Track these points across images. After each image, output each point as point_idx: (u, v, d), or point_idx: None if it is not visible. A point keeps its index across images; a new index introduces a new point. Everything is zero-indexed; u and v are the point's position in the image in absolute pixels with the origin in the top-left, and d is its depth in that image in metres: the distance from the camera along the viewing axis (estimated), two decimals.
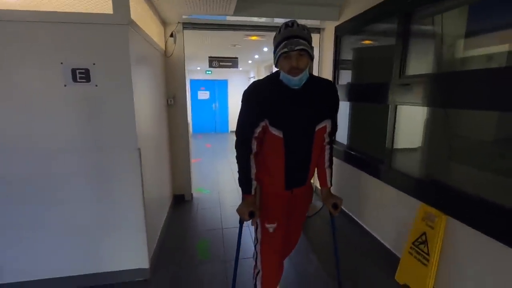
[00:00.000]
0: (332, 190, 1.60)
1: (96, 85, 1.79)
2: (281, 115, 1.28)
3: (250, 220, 1.40)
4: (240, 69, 9.71)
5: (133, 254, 2.07)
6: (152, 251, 2.23)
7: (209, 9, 2.76)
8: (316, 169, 1.55)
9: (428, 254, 1.82)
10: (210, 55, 6.22)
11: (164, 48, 3.26)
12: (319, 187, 1.59)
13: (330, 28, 3.37)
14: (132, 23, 1.83)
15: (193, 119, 10.34)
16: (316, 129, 1.34)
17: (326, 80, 1.43)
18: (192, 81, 10.11)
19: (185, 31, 3.36)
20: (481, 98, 1.54)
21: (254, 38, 4.21)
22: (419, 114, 2.12)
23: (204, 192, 4.09)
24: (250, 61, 7.84)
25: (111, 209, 1.96)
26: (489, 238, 1.47)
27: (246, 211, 1.35)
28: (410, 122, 2.27)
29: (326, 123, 1.36)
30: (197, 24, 3.35)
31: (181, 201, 3.65)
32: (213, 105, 10.67)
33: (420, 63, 2.17)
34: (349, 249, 2.53)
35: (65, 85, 1.75)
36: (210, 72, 9.94)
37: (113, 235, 2.00)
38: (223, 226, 3.01)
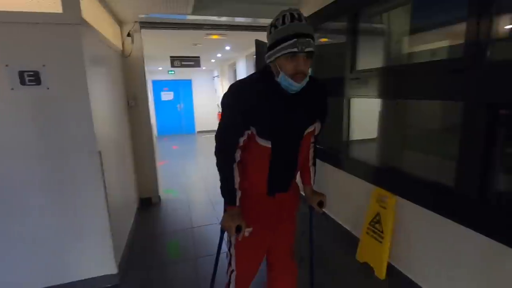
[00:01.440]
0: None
1: (48, 88, 1.71)
2: (271, 124, 1.10)
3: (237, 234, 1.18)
4: (204, 68, 9.63)
5: (99, 260, 2.01)
6: (119, 256, 2.18)
7: (166, 8, 2.73)
8: (300, 166, 1.40)
9: (382, 232, 2.01)
10: (171, 55, 6.10)
11: (121, 48, 3.16)
12: (302, 185, 1.46)
13: None
14: (84, 23, 1.77)
15: (158, 120, 10.04)
16: (305, 133, 1.20)
17: (318, 81, 1.25)
18: (154, 81, 9.82)
19: (143, 31, 3.29)
20: (425, 89, 1.73)
21: (215, 37, 4.22)
22: (374, 106, 2.31)
23: (172, 193, 4.04)
24: (213, 60, 7.81)
25: (73, 216, 1.89)
26: (432, 213, 1.67)
27: (233, 225, 1.15)
28: (366, 114, 2.47)
29: (315, 126, 1.24)
30: (155, 23, 3.29)
31: (148, 204, 3.57)
32: (178, 105, 10.45)
33: (369, 58, 2.37)
34: (320, 235, 2.68)
35: (12, 89, 1.65)
36: (172, 72, 9.72)
37: (77, 243, 1.93)
38: (193, 225, 3.02)
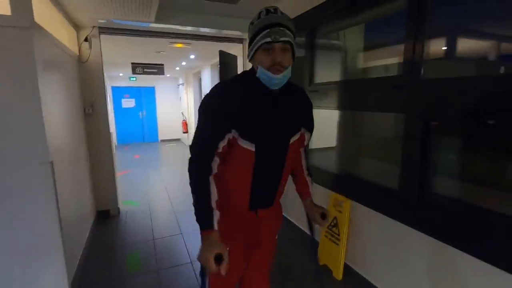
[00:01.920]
0: None
1: None
2: (255, 124, 1.02)
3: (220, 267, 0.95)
4: (168, 75, 9.44)
5: (51, 280, 1.86)
6: (73, 274, 2.04)
7: (127, 15, 2.68)
8: (295, 179, 1.36)
9: (338, 234, 2.14)
10: (133, 61, 5.92)
11: (78, 53, 3.02)
12: (301, 199, 1.37)
13: None
14: (35, 26, 1.69)
15: (118, 129, 9.58)
16: (291, 141, 1.12)
17: (300, 88, 1.21)
18: (114, 88, 9.39)
19: (103, 36, 3.18)
20: (374, 102, 1.91)
21: (179, 45, 4.20)
22: (333, 117, 2.47)
23: (133, 204, 3.87)
24: (177, 68, 7.71)
25: (20, 233, 1.74)
26: (382, 215, 1.83)
27: (211, 257, 0.93)
28: (325, 124, 2.63)
29: (303, 135, 1.18)
30: (116, 29, 3.20)
31: (106, 216, 3.39)
32: (140, 113, 10.08)
33: (327, 72, 2.55)
34: (279, 239, 2.75)
35: None
36: (134, 79, 9.39)
37: (25, 263, 1.77)
38: (154, 236, 2.92)
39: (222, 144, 1.01)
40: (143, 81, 9.54)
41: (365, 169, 2.28)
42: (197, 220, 1.02)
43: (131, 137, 9.93)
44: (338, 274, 2.11)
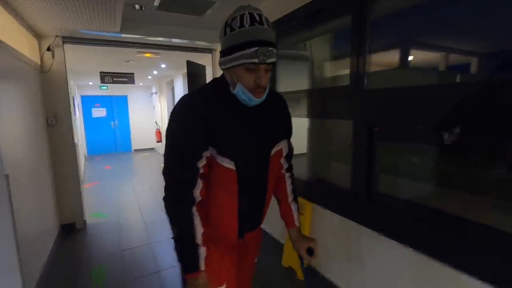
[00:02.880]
0: None
1: None
2: (232, 140, 0.92)
3: None
4: (140, 84, 9.31)
5: None
6: None
7: (91, 25, 2.68)
8: (279, 204, 1.22)
9: None
10: (101, 70, 5.81)
11: (39, 63, 2.95)
12: (286, 228, 1.22)
13: (219, 50, 3.71)
14: None
15: (88, 139, 9.26)
16: (272, 153, 1.03)
17: (276, 93, 1.12)
18: (84, 97, 9.09)
19: (67, 45, 3.14)
20: (331, 110, 2.04)
21: (148, 55, 4.21)
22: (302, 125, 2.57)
23: (101, 216, 3.77)
24: (149, 77, 7.64)
25: None
26: (339, 216, 1.95)
27: None
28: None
29: (282, 145, 1.08)
30: (81, 38, 3.17)
31: (72, 230, 3.28)
32: (112, 123, 9.81)
33: (290, 81, 2.68)
34: None
35: None
36: (105, 88, 9.15)
37: None
38: (122, 247, 2.87)
39: (202, 163, 0.90)
40: (115, 89, 9.33)
41: (325, 173, 2.41)
42: (180, 260, 0.90)
43: (102, 147, 9.61)
44: (301, 275, 2.20)
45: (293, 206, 1.17)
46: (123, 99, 9.83)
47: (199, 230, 0.89)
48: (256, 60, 0.82)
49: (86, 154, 8.93)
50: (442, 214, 1.35)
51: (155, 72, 6.69)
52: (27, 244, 1.98)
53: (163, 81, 8.03)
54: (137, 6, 2.58)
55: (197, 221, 0.89)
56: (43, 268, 2.34)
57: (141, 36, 3.23)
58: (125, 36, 3.18)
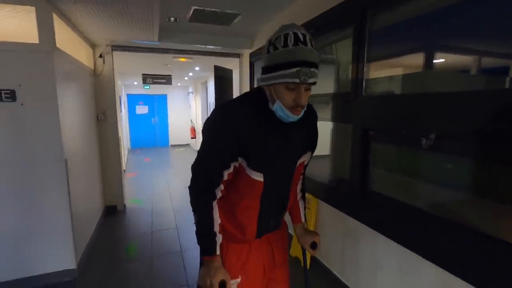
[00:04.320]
0: None
1: (22, 104, 2.03)
2: (265, 156, 0.96)
3: None
4: (179, 84, 10.00)
5: (61, 257, 2.26)
6: (80, 254, 2.43)
7: (134, 35, 3.13)
8: None
9: None
10: (144, 72, 6.44)
11: (93, 68, 3.49)
12: (292, 223, 1.27)
13: (246, 54, 4.01)
14: (56, 50, 2.12)
15: (132, 133, 10.18)
16: (298, 163, 1.08)
17: (309, 105, 1.07)
18: (129, 96, 10.03)
19: (115, 52, 3.65)
20: (333, 114, 2.22)
21: (183, 59, 4.65)
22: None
23: (138, 202, 4.28)
24: (186, 78, 8.22)
25: (37, 215, 2.15)
26: (340, 212, 2.12)
27: (216, 283, 0.93)
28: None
29: (306, 157, 1.11)
30: (126, 46, 3.67)
31: (113, 211, 3.81)
32: (152, 119, 10.67)
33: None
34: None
35: None
36: (148, 87, 9.98)
37: (39, 241, 2.18)
38: (153, 229, 3.30)
39: (227, 172, 0.96)
40: (156, 89, 10.14)
41: (329, 172, 2.57)
42: (200, 243, 1.00)
43: (143, 141, 10.51)
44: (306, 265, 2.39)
45: (301, 203, 1.23)
46: (163, 98, 10.64)
47: (217, 220, 0.99)
48: (297, 80, 0.84)
49: (129, 147, 9.84)
50: (427, 213, 1.48)
51: (190, 74, 7.22)
52: (78, 218, 2.44)
53: (198, 81, 8.58)
54: (172, 19, 2.96)
55: (215, 211, 0.98)
56: (90, 238, 2.83)
57: (176, 44, 3.64)
58: (162, 44, 3.61)
